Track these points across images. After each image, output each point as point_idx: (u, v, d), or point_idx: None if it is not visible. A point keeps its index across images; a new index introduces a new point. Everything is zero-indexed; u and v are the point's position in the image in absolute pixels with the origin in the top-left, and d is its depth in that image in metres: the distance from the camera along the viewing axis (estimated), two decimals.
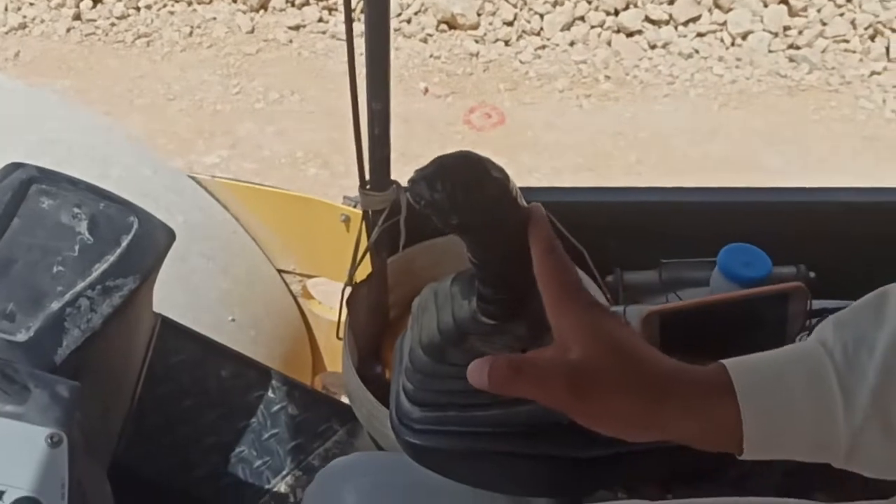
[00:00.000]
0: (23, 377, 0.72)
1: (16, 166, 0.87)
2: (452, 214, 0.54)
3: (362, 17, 0.94)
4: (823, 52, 3.34)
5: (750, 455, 0.49)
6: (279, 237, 1.51)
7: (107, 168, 1.39)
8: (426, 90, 3.40)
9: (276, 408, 1.09)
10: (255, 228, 1.52)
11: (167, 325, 1.04)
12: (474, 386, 0.54)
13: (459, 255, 0.73)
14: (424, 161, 0.55)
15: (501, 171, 0.56)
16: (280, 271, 1.56)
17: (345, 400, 1.13)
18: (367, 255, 1.00)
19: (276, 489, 1.06)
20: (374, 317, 1.05)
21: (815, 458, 0.48)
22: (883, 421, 0.46)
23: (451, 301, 0.68)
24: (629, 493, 0.79)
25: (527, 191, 1.07)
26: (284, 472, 1.08)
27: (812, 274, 0.83)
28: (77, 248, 0.87)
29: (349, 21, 0.90)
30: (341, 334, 0.97)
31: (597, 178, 3.01)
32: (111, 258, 0.87)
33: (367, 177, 0.97)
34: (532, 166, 3.08)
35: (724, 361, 0.51)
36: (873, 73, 3.27)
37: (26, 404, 0.70)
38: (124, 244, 0.88)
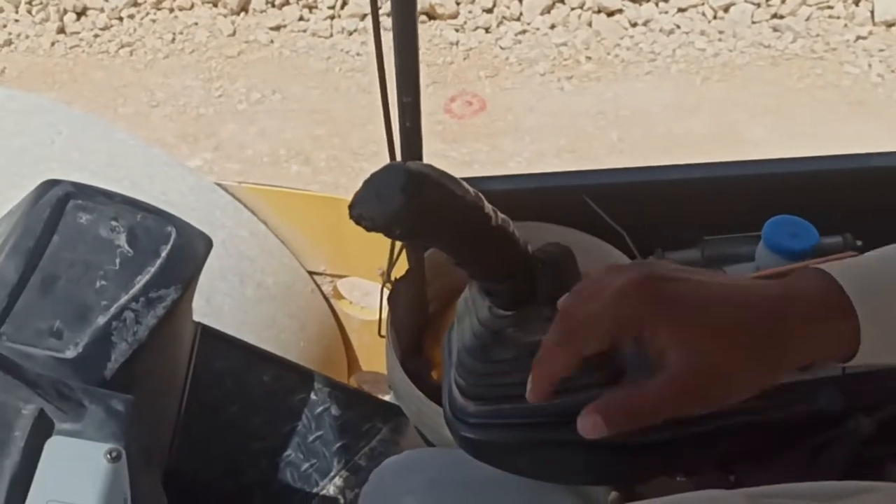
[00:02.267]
0: (77, 394, 0.70)
1: (52, 183, 0.85)
2: (393, 227, 0.53)
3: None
4: (807, 19, 3.35)
5: (859, 361, 0.48)
6: (308, 238, 1.51)
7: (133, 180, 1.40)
8: None
9: (319, 409, 1.08)
10: (283, 231, 1.51)
11: (207, 332, 1.02)
12: (588, 437, 0.53)
13: None
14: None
15: (430, 168, 0.55)
16: (311, 273, 1.56)
17: (384, 398, 1.13)
18: (404, 251, 1.00)
19: (324, 492, 1.05)
20: (414, 312, 1.05)
21: None
22: None
23: (474, 304, 0.68)
24: (689, 476, 0.79)
25: (563, 175, 1.08)
26: (332, 474, 1.07)
27: (859, 242, 0.84)
28: (118, 261, 0.85)
29: (376, 17, 0.89)
30: (384, 332, 0.96)
31: (579, 159, 3.03)
32: (152, 269, 0.86)
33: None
34: (514, 151, 3.09)
35: (827, 269, 0.49)
36: (858, 37, 3.30)
37: (83, 421, 0.69)
38: (164, 254, 0.87)
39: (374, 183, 0.54)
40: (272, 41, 3.57)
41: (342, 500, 1.05)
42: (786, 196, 0.89)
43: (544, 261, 0.65)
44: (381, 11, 0.86)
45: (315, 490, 1.05)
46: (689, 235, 0.93)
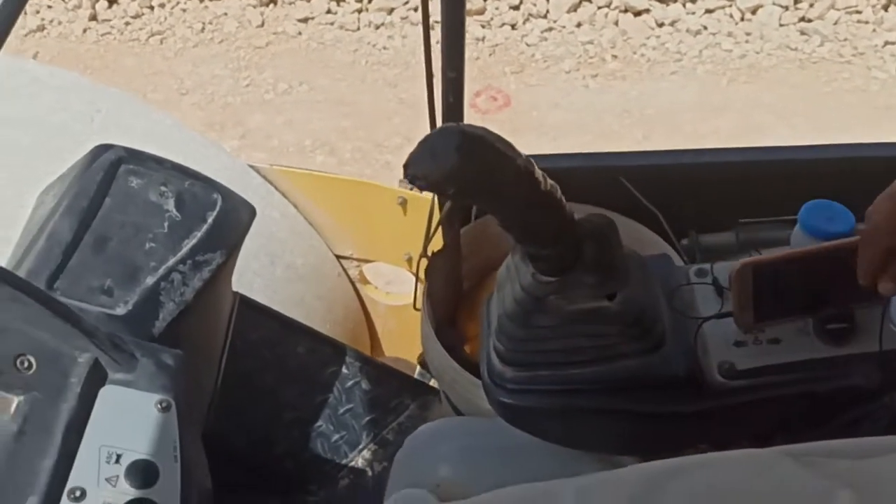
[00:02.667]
0: (130, 346, 0.73)
1: (104, 148, 0.87)
2: (447, 185, 0.55)
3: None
4: (835, 23, 3.34)
5: None
6: (336, 223, 1.52)
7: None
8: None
9: (350, 383, 1.10)
10: (312, 214, 1.53)
11: (245, 302, 1.05)
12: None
13: None
14: None
15: (484, 131, 0.57)
16: (338, 257, 1.57)
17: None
18: (440, 228, 1.01)
19: (353, 463, 1.07)
20: (449, 288, 1.06)
21: None
22: None
23: (517, 271, 0.70)
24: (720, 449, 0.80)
25: (599, 156, 1.09)
26: (361, 447, 1.09)
27: None
28: (166, 224, 0.87)
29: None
30: (419, 305, 0.98)
31: None
32: (199, 234, 0.88)
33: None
34: (538, 147, 3.08)
35: None
36: (887, 42, 3.27)
37: (135, 372, 0.71)
38: (210, 220, 0.89)
39: (430, 143, 0.56)
40: (300, 33, 3.60)
41: (370, 472, 1.07)
42: (821, 181, 0.90)
43: (589, 229, 0.67)
44: None
45: (344, 462, 1.07)
46: (724, 219, 0.94)
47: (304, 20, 3.64)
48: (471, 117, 3.31)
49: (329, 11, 3.66)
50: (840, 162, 0.96)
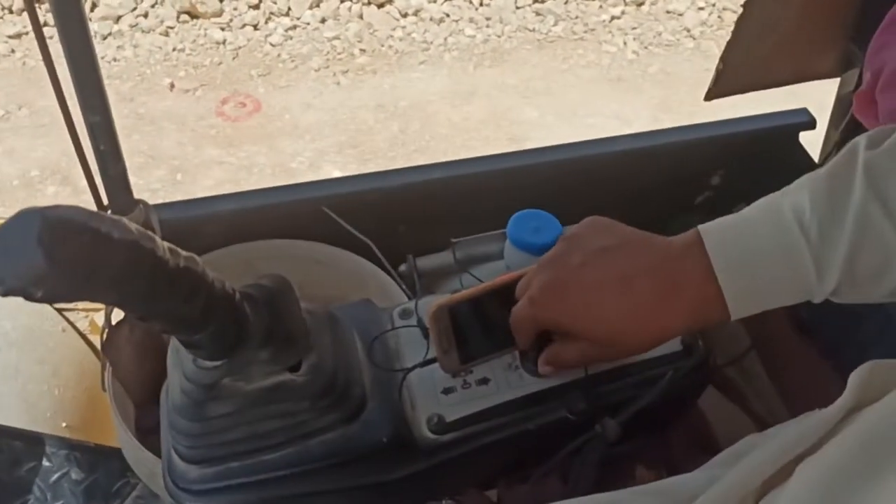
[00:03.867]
0: None
1: None
2: (32, 290, 0.43)
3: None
4: (566, 2, 3.48)
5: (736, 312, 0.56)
6: None
7: None
8: (172, 85, 3.17)
9: (55, 477, 0.95)
10: None
11: None
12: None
13: (238, 267, 0.65)
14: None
15: (75, 211, 0.45)
16: (59, 310, 1.39)
17: None
18: None
19: None
20: (148, 355, 0.93)
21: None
22: (851, 280, 0.54)
23: (178, 356, 0.60)
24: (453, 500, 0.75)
25: (299, 188, 1.00)
26: None
27: None
28: None
29: (38, 27, 0.77)
30: (106, 385, 0.85)
31: (361, 154, 2.97)
32: None
33: (105, 201, 0.84)
34: (294, 151, 2.97)
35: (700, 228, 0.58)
36: (613, 17, 3.46)
37: None
38: None
39: (2, 236, 0.44)
40: (13, 51, 3.22)
41: None
42: (529, 189, 0.88)
43: (253, 298, 0.57)
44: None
45: None
46: (439, 238, 0.89)
47: (17, 36, 3.26)
48: (220, 126, 3.15)
49: (45, 24, 3.30)
50: (541, 167, 0.94)
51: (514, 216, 0.84)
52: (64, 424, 1.26)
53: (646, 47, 3.43)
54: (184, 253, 0.51)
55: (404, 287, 0.89)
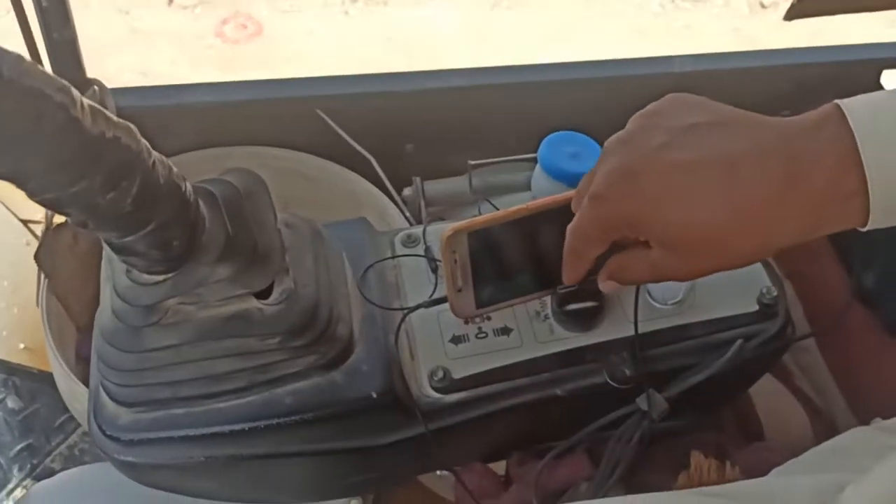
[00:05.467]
0: None
1: None
2: None
3: None
4: None
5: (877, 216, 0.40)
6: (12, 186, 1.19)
7: None
8: (171, 1, 3.01)
9: None
10: None
11: None
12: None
13: (209, 175, 0.51)
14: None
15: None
16: (24, 222, 1.26)
17: None
18: None
19: None
20: (95, 271, 0.79)
21: None
22: None
23: (112, 266, 0.46)
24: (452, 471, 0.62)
25: (289, 84, 0.86)
26: (11, 486, 0.82)
27: None
28: None
29: None
30: (40, 300, 0.71)
31: None
32: None
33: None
34: None
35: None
36: None
37: None
38: None
39: None
40: None
41: None
42: (566, 108, 0.73)
43: (211, 196, 0.43)
44: None
45: None
46: (453, 161, 0.75)
47: None
48: (218, 47, 2.98)
49: None
50: (587, 85, 0.79)
51: (548, 138, 0.70)
52: (22, 346, 1.16)
53: (673, 1, 3.28)
54: (116, 119, 0.37)
55: (408, 215, 0.75)
